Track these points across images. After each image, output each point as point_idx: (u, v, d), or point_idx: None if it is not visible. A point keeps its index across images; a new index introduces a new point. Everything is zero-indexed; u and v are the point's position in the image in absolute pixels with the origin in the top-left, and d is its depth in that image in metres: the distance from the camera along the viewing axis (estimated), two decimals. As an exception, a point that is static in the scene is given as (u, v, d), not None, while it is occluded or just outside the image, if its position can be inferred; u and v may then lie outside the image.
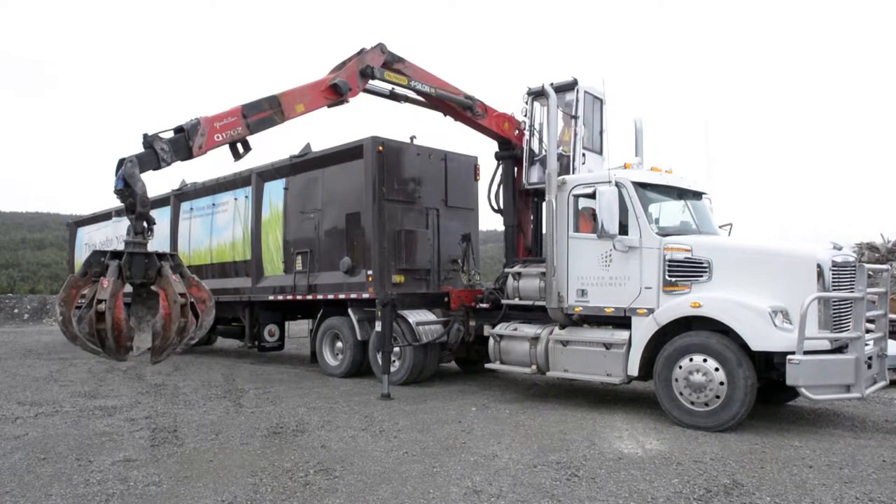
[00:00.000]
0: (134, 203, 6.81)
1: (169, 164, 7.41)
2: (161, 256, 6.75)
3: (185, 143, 7.55)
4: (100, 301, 6.23)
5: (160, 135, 7.41)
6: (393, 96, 10.48)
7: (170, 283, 6.57)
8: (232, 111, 8.07)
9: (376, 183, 10.47)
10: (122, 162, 6.95)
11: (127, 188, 6.84)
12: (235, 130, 8.04)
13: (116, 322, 6.31)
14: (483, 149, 13.81)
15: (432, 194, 11.34)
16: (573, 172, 9.26)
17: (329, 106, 9.15)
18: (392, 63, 9.69)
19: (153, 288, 6.69)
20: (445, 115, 10.65)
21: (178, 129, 7.59)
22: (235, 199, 13.41)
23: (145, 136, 7.31)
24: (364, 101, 10.07)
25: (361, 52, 9.43)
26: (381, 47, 9.57)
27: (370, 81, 9.59)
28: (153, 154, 7.27)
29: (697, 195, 8.84)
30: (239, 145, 8.25)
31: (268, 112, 8.35)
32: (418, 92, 10.11)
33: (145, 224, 6.88)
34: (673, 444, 6.41)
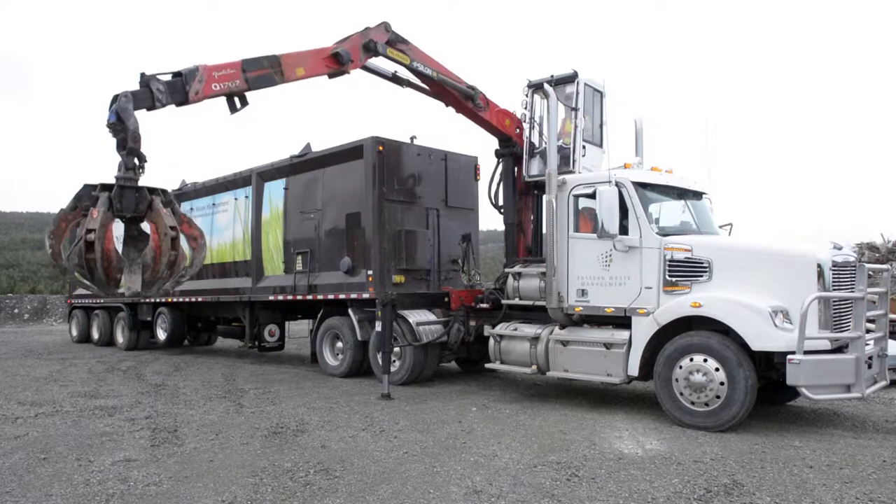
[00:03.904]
0: (125, 138, 6.68)
1: (164, 105, 7.29)
2: (152, 191, 6.66)
3: (181, 87, 7.45)
4: (89, 231, 6.13)
5: (157, 76, 7.34)
6: (395, 79, 10.32)
7: (160, 216, 6.49)
8: (232, 63, 7.98)
9: (376, 183, 10.46)
10: (116, 97, 6.87)
11: (119, 123, 6.71)
12: (234, 83, 7.94)
13: (106, 253, 6.22)
14: (483, 149, 13.80)
15: (432, 194, 11.34)
16: (573, 165, 9.26)
17: (329, 76, 9.04)
18: (395, 43, 9.59)
19: (144, 222, 6.61)
20: (447, 106, 10.51)
21: (177, 74, 7.53)
22: (235, 199, 13.42)
23: (142, 75, 7.21)
24: (365, 102, 10.08)
25: (366, 29, 9.37)
26: (385, 25, 9.48)
27: (372, 59, 9.51)
28: (148, 92, 7.16)
29: (698, 195, 8.84)
30: (236, 100, 8.16)
31: (267, 70, 8.24)
32: (420, 75, 9.97)
33: (136, 161, 6.74)
34: (673, 444, 6.40)
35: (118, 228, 6.70)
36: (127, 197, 6.48)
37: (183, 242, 6.86)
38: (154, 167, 7.47)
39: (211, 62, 7.80)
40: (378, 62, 9.82)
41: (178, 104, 7.55)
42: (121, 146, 6.74)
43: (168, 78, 7.42)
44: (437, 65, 10.03)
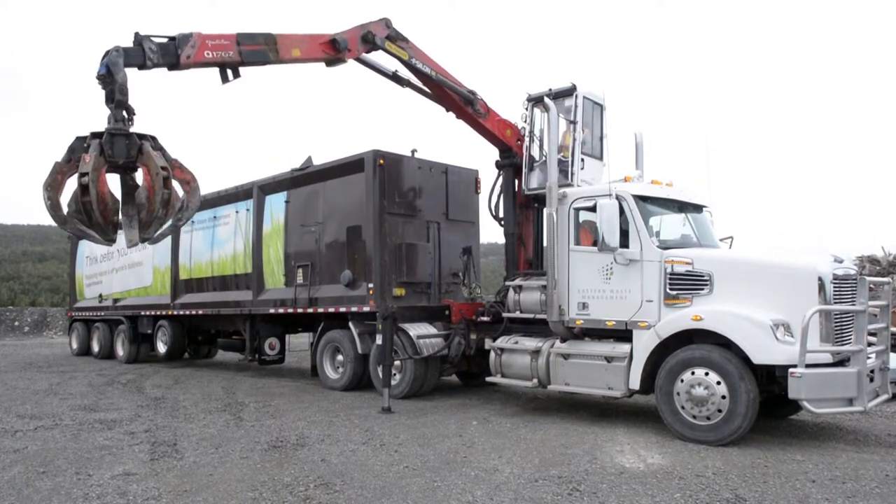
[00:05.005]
0: (113, 90, 6.81)
1: (154, 64, 7.37)
2: (142, 136, 6.80)
3: (174, 49, 7.50)
4: (83, 174, 6.30)
5: (151, 37, 7.39)
6: (396, 78, 10.20)
7: (151, 158, 6.66)
8: (227, 35, 7.95)
9: (377, 196, 10.49)
10: (108, 52, 6.96)
11: (109, 75, 6.84)
12: (227, 53, 7.93)
13: (101, 195, 6.38)
14: (483, 162, 13.83)
15: (433, 207, 11.36)
16: (573, 178, 9.27)
17: (327, 64, 8.98)
18: (395, 40, 9.55)
19: (137, 170, 6.73)
20: (448, 111, 10.44)
21: (171, 38, 7.59)
22: (237, 211, 13.45)
23: (136, 34, 7.29)
24: (367, 112, 10.08)
25: (367, 22, 9.35)
26: (385, 21, 9.46)
27: (372, 55, 9.49)
28: (141, 51, 7.25)
29: (698, 208, 8.86)
30: (229, 71, 8.12)
31: (262, 46, 8.19)
32: (419, 74, 9.89)
33: (125, 113, 6.85)
34: (675, 459, 6.38)
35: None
36: (117, 143, 6.63)
37: (177, 187, 6.99)
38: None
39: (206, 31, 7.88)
40: (379, 60, 9.79)
41: (170, 67, 7.60)
42: (109, 99, 6.88)
43: (162, 40, 7.51)
44: (436, 65, 9.97)
